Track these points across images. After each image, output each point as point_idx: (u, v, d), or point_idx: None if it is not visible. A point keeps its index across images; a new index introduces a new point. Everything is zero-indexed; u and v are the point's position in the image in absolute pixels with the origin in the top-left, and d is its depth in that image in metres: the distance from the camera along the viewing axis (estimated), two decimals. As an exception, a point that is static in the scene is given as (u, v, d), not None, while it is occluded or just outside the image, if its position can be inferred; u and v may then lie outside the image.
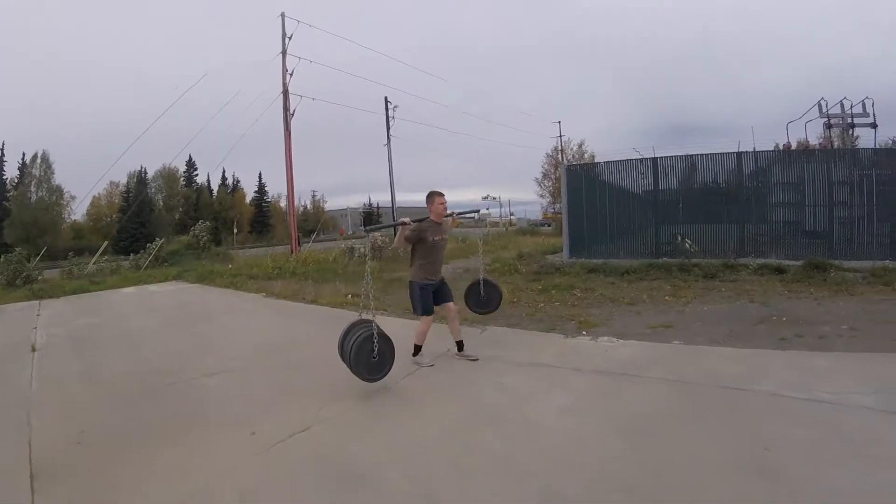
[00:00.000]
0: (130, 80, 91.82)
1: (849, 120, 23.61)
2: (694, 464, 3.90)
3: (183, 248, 26.30)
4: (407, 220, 6.69)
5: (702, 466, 3.85)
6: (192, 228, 27.30)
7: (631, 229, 17.84)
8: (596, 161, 22.77)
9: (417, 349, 6.88)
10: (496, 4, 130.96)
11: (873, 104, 23.44)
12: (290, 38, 27.28)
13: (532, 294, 11.70)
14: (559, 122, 63.70)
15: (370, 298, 5.94)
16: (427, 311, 6.72)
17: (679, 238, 15.86)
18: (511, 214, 79.25)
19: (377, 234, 25.66)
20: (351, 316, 9.90)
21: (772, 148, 19.54)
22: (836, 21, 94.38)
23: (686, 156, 16.83)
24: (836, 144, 24.66)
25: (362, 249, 21.96)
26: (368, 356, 5.54)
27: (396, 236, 6.90)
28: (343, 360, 5.62)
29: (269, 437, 4.51)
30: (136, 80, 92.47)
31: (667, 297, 11.02)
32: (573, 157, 57.73)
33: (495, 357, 6.95)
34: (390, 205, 38.56)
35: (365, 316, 5.80)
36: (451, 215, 7.09)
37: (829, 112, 23.66)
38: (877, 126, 25.13)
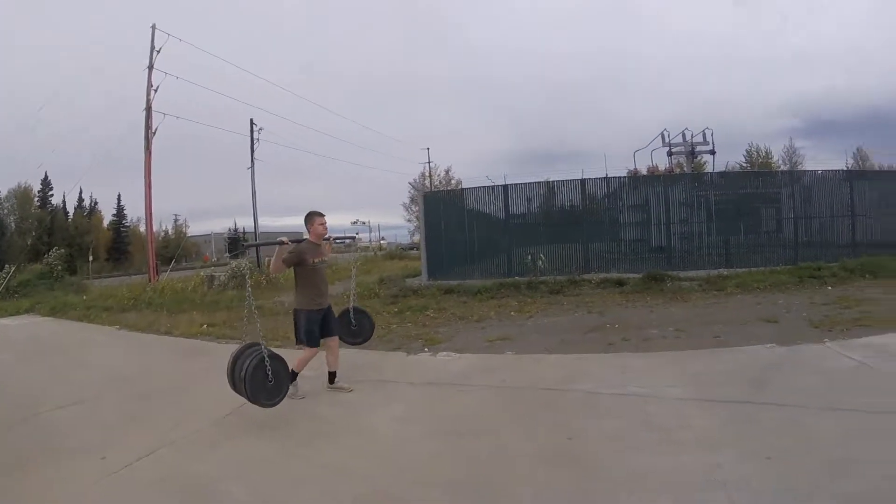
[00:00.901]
0: None
1: (689, 148, 25.98)
2: (506, 457, 4.43)
3: (35, 277, 24.04)
4: (285, 239, 6.33)
5: (513, 459, 4.38)
6: (46, 256, 25.66)
7: (486, 252, 18.79)
8: (462, 187, 23.67)
9: (293, 375, 6.28)
10: (381, 35, 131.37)
11: (713, 133, 26.78)
12: (158, 52, 25.91)
13: (387, 317, 12.00)
14: (427, 149, 64.92)
15: (256, 320, 5.72)
16: (311, 343, 6.38)
17: (530, 257, 17.03)
18: (382, 239, 79.75)
19: (241, 259, 25.55)
20: (206, 346, 10.35)
21: (625, 174, 21.57)
22: (691, 61, 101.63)
23: (534, 183, 18.49)
24: (684, 169, 27.10)
25: (222, 278, 21.66)
26: (264, 380, 5.31)
27: (273, 260, 6.41)
28: (236, 389, 5.32)
29: (118, 462, 4.67)
30: None
31: (512, 313, 11.93)
32: (440, 182, 59.41)
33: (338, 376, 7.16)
34: (242, 230, 37.78)
35: (248, 340, 5.61)
36: (327, 240, 6.90)
37: (672, 141, 26.02)
38: (715, 153, 28.50)
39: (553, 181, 18.26)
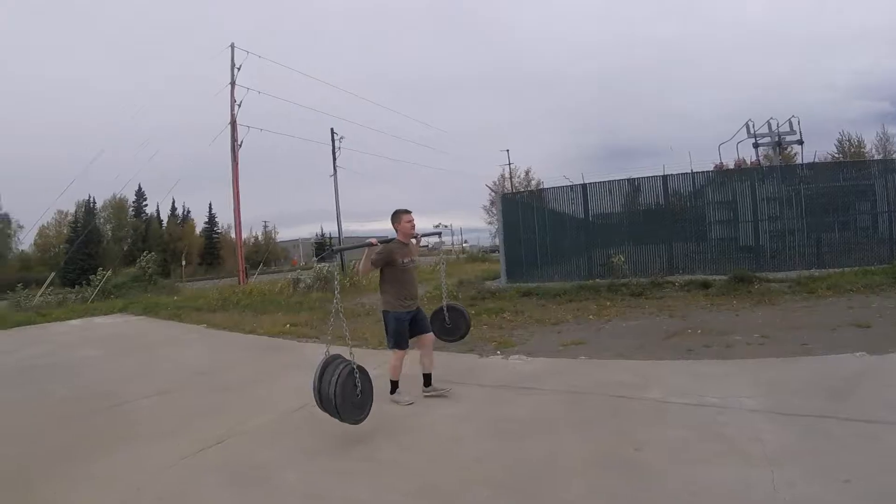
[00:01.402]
0: (79, 106, 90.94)
1: (776, 138, 24.58)
2: (562, 462, 4.34)
3: (130, 280, 26.04)
4: (374, 240, 6.18)
5: (569, 465, 4.29)
6: (139, 260, 27.12)
7: (566, 253, 18.57)
8: (540, 188, 23.46)
9: (394, 386, 6.33)
10: (436, 41, 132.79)
11: (799, 122, 24.75)
12: (238, 69, 27.51)
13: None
14: (507, 150, 64.77)
15: (345, 329, 5.50)
16: (400, 345, 6.22)
17: (612, 258, 16.61)
18: (464, 242, 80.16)
19: (327, 263, 26.10)
20: (285, 344, 10.62)
21: (710, 168, 20.61)
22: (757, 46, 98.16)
23: (614, 181, 17.77)
24: (772, 161, 25.63)
25: (307, 280, 22.24)
26: (353, 394, 5.05)
27: (361, 261, 6.26)
28: (322, 405, 4.95)
29: (190, 449, 5.05)
30: (85, 106, 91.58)
31: (590, 316, 11.61)
32: (520, 184, 59.16)
33: (408, 375, 7.11)
34: (329, 235, 38.69)
35: (334, 351, 5.25)
36: (415, 237, 6.61)
37: (758, 131, 24.67)
38: (803, 142, 26.48)
39: (634, 178, 17.53)
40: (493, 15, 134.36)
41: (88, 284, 23.86)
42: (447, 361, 8.03)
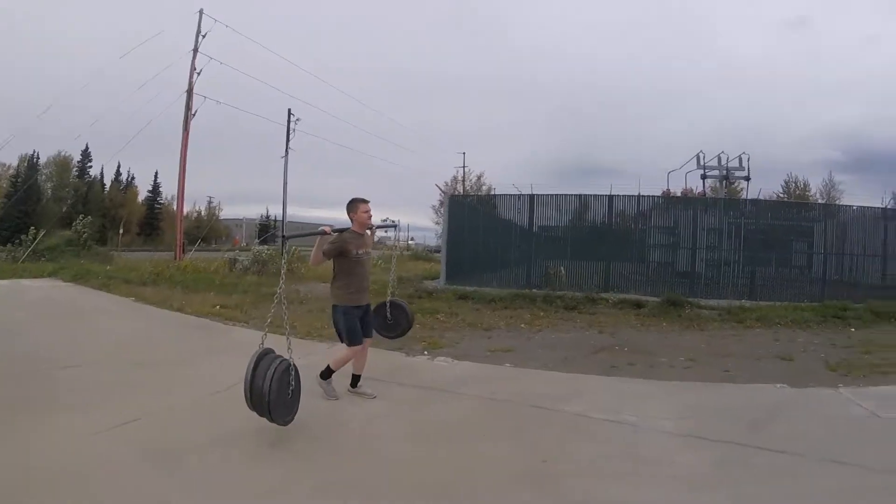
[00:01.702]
0: (30, 53, 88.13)
1: (724, 172, 25.56)
2: (472, 470, 4.37)
3: (63, 243, 25.21)
4: (327, 227, 5.91)
5: (478, 474, 4.31)
6: (74, 223, 26.52)
7: (507, 261, 18.80)
8: (488, 194, 23.73)
9: (328, 373, 6.12)
10: (427, 35, 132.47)
11: (749, 159, 26.34)
12: (203, 37, 27.10)
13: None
14: (464, 153, 65.13)
15: (285, 320, 5.28)
16: (354, 341, 6.01)
17: (550, 271, 17.10)
18: (411, 239, 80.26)
19: (265, 248, 25.93)
20: (212, 325, 10.55)
21: (658, 193, 21.46)
22: (733, 83, 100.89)
23: (562, 195, 18.17)
24: (718, 194, 26.83)
25: (245, 262, 22.06)
26: (285, 392, 4.81)
27: (314, 251, 5.99)
28: (252, 401, 4.64)
29: (105, 423, 4.99)
30: (36, 53, 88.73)
31: (522, 325, 11.79)
32: (472, 187, 59.72)
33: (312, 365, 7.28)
34: (273, 218, 38.47)
35: (268, 344, 4.89)
36: (370, 227, 6.43)
37: (707, 163, 25.64)
38: (750, 179, 28.14)
39: (581, 195, 17.94)
40: (490, 16, 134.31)
41: (20, 244, 23.31)
42: (374, 357, 7.89)
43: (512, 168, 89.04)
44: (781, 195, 50.94)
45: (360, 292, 6.09)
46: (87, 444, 4.57)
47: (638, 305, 14.31)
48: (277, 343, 5.00)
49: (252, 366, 4.67)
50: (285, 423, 4.78)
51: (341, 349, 6.18)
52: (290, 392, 4.83)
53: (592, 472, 4.45)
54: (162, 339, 9.33)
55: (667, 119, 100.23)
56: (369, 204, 6.25)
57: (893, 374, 7.65)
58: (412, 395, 6.48)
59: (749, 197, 24.34)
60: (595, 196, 17.76)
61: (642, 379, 7.52)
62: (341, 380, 6.21)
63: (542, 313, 13.38)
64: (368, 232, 6.38)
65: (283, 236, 5.48)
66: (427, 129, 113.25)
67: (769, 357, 8.95)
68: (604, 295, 15.42)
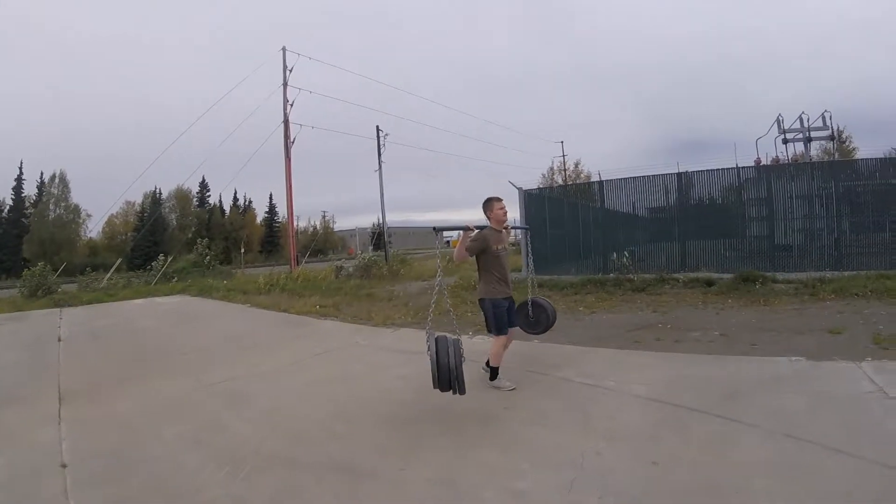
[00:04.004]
0: (143, 105, 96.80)
1: (806, 134, 24.46)
2: (434, 415, 5.71)
3: (189, 265, 29.20)
4: (470, 224, 6.40)
5: (437, 417, 5.64)
6: (195, 247, 29.96)
7: (582, 248, 19.34)
8: (557, 185, 24.51)
9: (494, 372, 6.59)
10: (508, 30, 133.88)
11: (831, 117, 24.04)
12: (290, 71, 29.94)
13: (469, 305, 12.51)
14: (562, 142, 66.28)
15: (447, 304, 6.24)
16: (502, 330, 6.48)
17: (616, 255, 17.41)
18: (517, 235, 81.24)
19: (365, 254, 28.38)
20: (307, 320, 13.13)
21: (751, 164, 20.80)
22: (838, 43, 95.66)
23: (630, 178, 18.32)
24: (805, 158, 25.21)
25: (350, 268, 24.50)
26: (462, 365, 5.37)
27: (457, 248, 6.47)
28: (440, 379, 5.29)
29: (208, 381, 7.63)
30: (149, 105, 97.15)
31: (581, 308, 12.49)
32: (570, 176, 60.08)
33: (385, 347, 9.41)
34: (388, 225, 40.77)
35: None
36: (506, 226, 6.78)
37: (791, 127, 24.53)
38: (834, 138, 26.23)
39: (649, 176, 17.89)
40: (570, 7, 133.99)
41: (151, 269, 26.71)
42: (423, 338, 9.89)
43: (611, 154, 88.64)
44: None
45: (504, 284, 6.55)
46: (193, 392, 7.18)
47: (709, 284, 14.33)
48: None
49: (434, 350, 5.31)
50: (463, 393, 5.34)
51: (492, 344, 6.62)
52: (463, 360, 5.39)
53: (534, 420, 5.38)
54: (264, 332, 11.90)
55: (771, 88, 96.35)
56: (503, 202, 6.68)
57: None
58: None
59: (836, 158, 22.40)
60: (664, 175, 17.60)
61: (654, 352, 7.95)
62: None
63: (607, 296, 13.99)
64: (504, 230, 6.74)
65: (435, 229, 6.38)
66: (523, 125, 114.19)
67: (817, 330, 8.67)
68: (675, 275, 15.61)
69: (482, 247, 6.35)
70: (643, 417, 5.34)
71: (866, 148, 48.51)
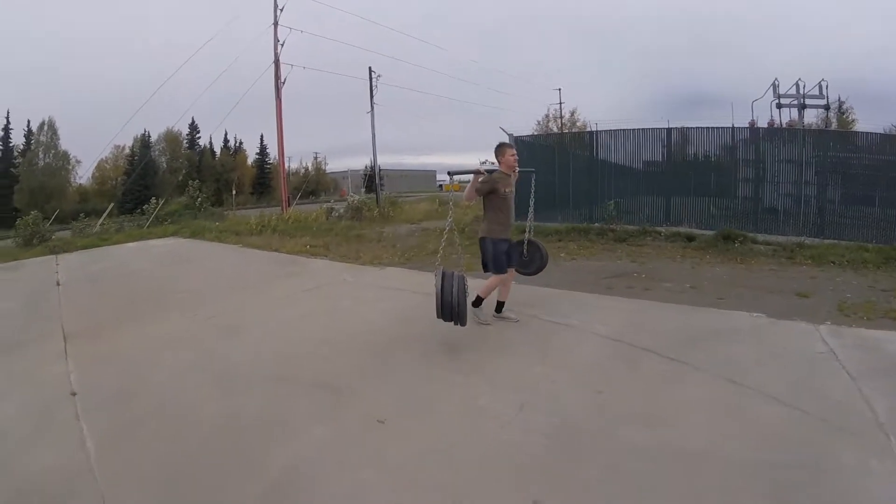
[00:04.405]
0: (131, 47, 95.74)
1: (801, 101, 24.79)
2: (410, 344, 6.39)
3: (181, 208, 29.44)
4: (481, 168, 6.83)
5: (412, 346, 6.31)
6: (187, 189, 30.28)
7: (570, 197, 19.40)
8: (550, 132, 24.75)
9: (479, 301, 7.03)
10: None
11: (827, 86, 24.07)
12: (281, 10, 29.49)
13: (455, 248, 13.14)
14: (559, 90, 65.90)
15: (458, 244, 6.78)
16: (501, 269, 6.83)
17: (602, 205, 17.79)
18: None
19: (356, 196, 28.83)
20: (297, 259, 13.78)
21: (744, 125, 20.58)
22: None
23: (622, 129, 18.49)
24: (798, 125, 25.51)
25: (340, 210, 24.96)
26: (466, 299, 5.89)
27: (467, 188, 6.96)
28: (443, 311, 5.88)
29: (201, 316, 8.30)
30: (137, 47, 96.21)
31: (562, 254, 12.74)
32: (566, 125, 60.05)
33: (371, 284, 10.11)
34: (381, 167, 41.12)
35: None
36: (514, 169, 7.06)
37: (786, 92, 24.86)
38: (829, 108, 26.11)
39: (640, 129, 18.02)
40: None
41: (143, 213, 27.15)
42: (404, 275, 10.92)
43: (610, 105, 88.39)
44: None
45: (506, 226, 6.90)
46: (189, 326, 7.79)
47: (689, 239, 14.57)
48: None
49: (439, 283, 5.82)
50: (465, 324, 5.98)
51: (488, 278, 7.02)
52: (466, 299, 5.92)
53: (499, 351, 6.02)
54: (256, 271, 12.49)
55: (774, 48, 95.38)
56: (514, 148, 7.10)
57: None
58: (419, 299, 8.38)
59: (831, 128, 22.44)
60: (655, 129, 17.77)
61: (623, 298, 8.45)
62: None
63: (588, 244, 14.36)
64: (513, 173, 7.04)
65: (449, 173, 6.57)
66: (522, 70, 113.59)
67: (786, 292, 8.86)
68: (658, 228, 15.95)
69: (491, 188, 6.69)
70: (598, 353, 5.91)
71: (867, 121, 48.12)
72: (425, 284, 9.45)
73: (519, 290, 8.13)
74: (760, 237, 14.46)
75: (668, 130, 17.51)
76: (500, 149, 7.04)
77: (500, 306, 7.28)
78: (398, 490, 3.50)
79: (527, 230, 8.04)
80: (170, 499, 3.54)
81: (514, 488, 3.49)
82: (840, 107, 43.83)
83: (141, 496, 3.57)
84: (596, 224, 16.83)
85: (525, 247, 7.83)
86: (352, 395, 5.02)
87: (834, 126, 29.03)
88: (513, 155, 6.93)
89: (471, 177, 6.95)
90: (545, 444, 4.03)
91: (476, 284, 6.96)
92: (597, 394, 4.83)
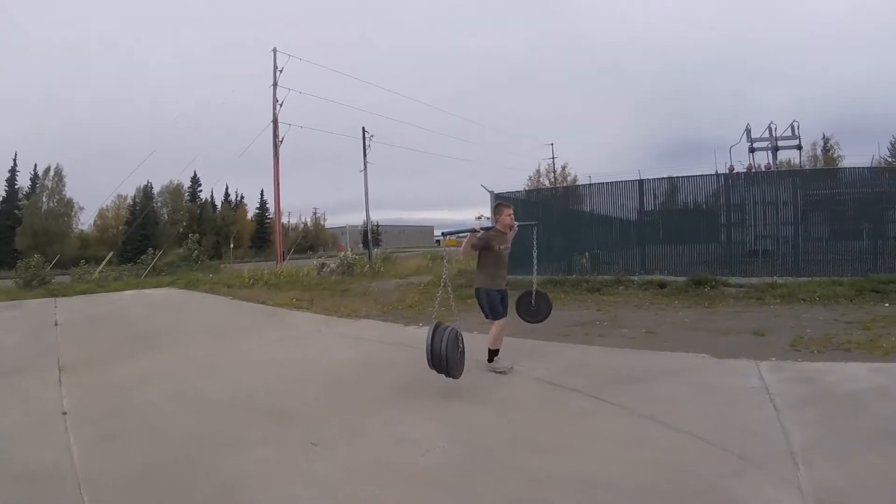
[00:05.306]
0: (138, 102, 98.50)
1: (774, 143, 25.31)
2: (362, 383, 7.21)
3: (178, 259, 30.51)
4: (478, 228, 7.35)
5: (364, 385, 7.13)
6: (185, 242, 31.33)
7: (550, 250, 19.66)
8: (527, 189, 25.67)
9: (492, 355, 7.48)
10: (497, 25, 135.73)
11: (799, 126, 25.64)
12: (280, 71, 31.28)
13: (432, 302, 13.41)
14: (552, 145, 66.95)
15: (450, 299, 7.06)
16: (498, 314, 7.34)
17: (577, 257, 18.59)
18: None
19: (348, 252, 29.81)
20: (279, 311, 14.67)
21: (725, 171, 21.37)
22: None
23: (594, 184, 19.61)
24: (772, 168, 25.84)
25: (332, 265, 25.86)
26: (457, 352, 6.24)
27: (464, 244, 7.39)
28: (433, 361, 6.20)
29: (187, 357, 9.34)
30: (144, 102, 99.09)
31: (512, 306, 13.15)
32: (558, 179, 61.22)
33: (342, 334, 10.91)
34: (381, 223, 42.08)
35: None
36: (511, 227, 7.61)
37: (760, 136, 25.46)
38: (801, 147, 27.40)
39: (612, 182, 18.72)
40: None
41: (142, 263, 28.14)
42: (377, 326, 11.80)
43: (602, 156, 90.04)
44: (890, 159, 46.30)
45: (499, 279, 7.46)
46: (173, 364, 8.81)
47: (661, 286, 15.06)
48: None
49: (430, 335, 6.22)
50: (457, 377, 6.37)
51: (491, 329, 7.50)
52: (459, 353, 6.30)
53: (437, 391, 6.57)
54: (240, 320, 13.59)
55: (761, 94, 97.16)
56: (511, 209, 7.66)
57: (853, 352, 7.60)
58: (372, 347, 9.75)
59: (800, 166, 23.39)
60: (625, 182, 18.39)
61: (573, 344, 9.01)
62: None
63: (563, 296, 14.62)
64: (510, 231, 7.65)
65: (444, 233, 7.06)
66: (514, 124, 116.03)
67: (743, 332, 9.24)
68: (632, 277, 16.50)
69: (486, 245, 7.19)
70: (528, 393, 6.57)
71: (853, 156, 48.81)
72: (391, 335, 10.70)
73: (475, 337, 8.49)
74: (733, 280, 14.83)
75: (640, 182, 18.19)
76: (497, 208, 7.71)
77: (491, 355, 7.59)
78: (319, 499, 4.28)
79: (533, 283, 8.87)
80: (134, 490, 4.41)
81: (412, 497, 4.24)
82: (826, 143, 44.65)
83: (112, 487, 4.46)
84: (572, 276, 17.51)
85: (533, 297, 8.67)
86: (299, 419, 5.91)
87: (821, 163, 29.67)
88: (509, 215, 7.50)
89: (468, 233, 7.43)
90: (451, 463, 4.75)
91: (472, 337, 7.61)
92: (511, 428, 5.45)
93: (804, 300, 12.02)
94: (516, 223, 7.76)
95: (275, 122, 31.19)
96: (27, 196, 64.52)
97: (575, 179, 55.24)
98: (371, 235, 39.60)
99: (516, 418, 5.75)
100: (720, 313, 11.20)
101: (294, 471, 4.74)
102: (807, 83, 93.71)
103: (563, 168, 66.35)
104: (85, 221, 67.14)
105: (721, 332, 9.40)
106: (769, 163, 26.01)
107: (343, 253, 29.97)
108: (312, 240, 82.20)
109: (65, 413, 6.26)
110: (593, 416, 5.67)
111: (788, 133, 25.64)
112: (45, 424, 5.88)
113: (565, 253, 19.39)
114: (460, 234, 8.17)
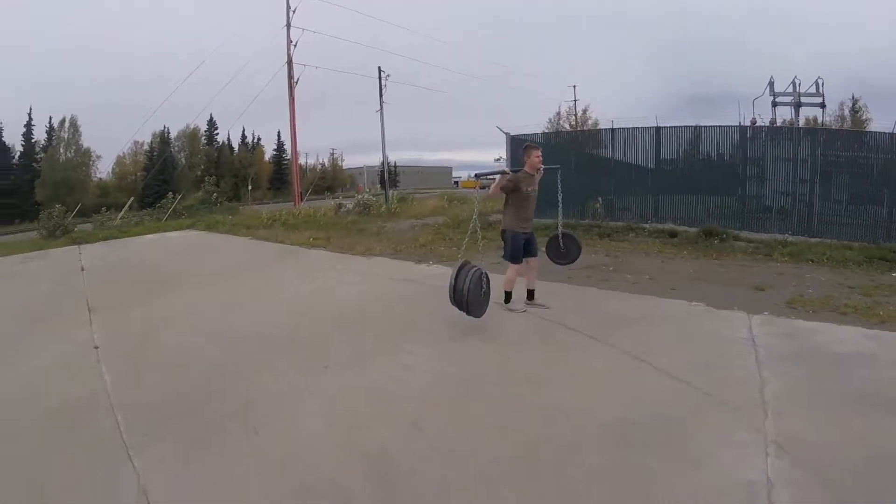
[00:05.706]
0: (151, 46, 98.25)
1: (797, 99, 24.88)
2: (372, 316, 7.80)
3: (198, 202, 31.10)
4: (507, 170, 7.48)
5: (373, 318, 7.72)
6: (203, 184, 31.73)
7: (566, 196, 18.59)
8: (544, 132, 25.55)
9: (508, 296, 7.73)
10: None
11: (823, 84, 24.49)
12: (293, 11, 30.96)
13: (444, 241, 14.87)
14: (574, 86, 64.61)
15: (479, 242, 7.49)
16: (516, 259, 7.50)
17: (592, 202, 18.41)
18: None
19: (366, 193, 30.10)
20: (297, 250, 15.21)
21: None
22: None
23: (608, 129, 19.39)
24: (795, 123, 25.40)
25: (349, 206, 26.18)
26: (479, 293, 6.42)
27: (493, 185, 7.53)
28: (454, 299, 6.43)
29: (208, 294, 10.01)
30: (157, 46, 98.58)
31: (543, 248, 13.16)
32: (578, 122, 60.49)
33: (355, 271, 11.39)
34: (400, 164, 42.09)
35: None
36: (539, 169, 7.56)
37: (782, 91, 25.03)
38: (825, 106, 26.22)
39: (628, 128, 18.48)
40: None
41: (162, 207, 28.87)
42: (387, 262, 12.29)
43: (626, 101, 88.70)
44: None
45: (526, 221, 7.51)
46: (196, 302, 9.43)
47: (672, 235, 15.08)
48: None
49: (455, 273, 6.43)
50: (479, 316, 6.62)
51: (507, 272, 7.71)
52: (482, 294, 6.53)
53: (442, 323, 7.13)
54: (259, 259, 14.03)
55: (786, 46, 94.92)
56: (540, 150, 7.61)
57: (848, 315, 7.46)
58: (386, 283, 10.29)
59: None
60: (644, 129, 18.08)
61: (577, 286, 9.29)
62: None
63: None
64: (537, 174, 7.61)
65: (476, 175, 7.07)
66: (537, 66, 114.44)
67: (745, 286, 9.24)
68: (644, 225, 16.52)
69: (515, 186, 7.27)
70: (524, 328, 7.00)
71: (883, 120, 47.36)
72: (403, 272, 11.19)
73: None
74: (744, 234, 14.76)
75: (658, 129, 17.92)
76: (526, 150, 7.65)
77: (530, 294, 7.92)
78: (329, 415, 4.85)
79: (558, 225, 9.03)
80: (163, 412, 5.00)
81: (411, 413, 4.78)
82: (854, 104, 43.38)
83: (143, 410, 5.05)
84: (585, 221, 17.54)
85: (561, 240, 8.81)
86: (312, 350, 6.52)
87: (848, 124, 29.05)
88: (538, 157, 7.47)
89: (499, 175, 7.59)
90: (449, 388, 5.31)
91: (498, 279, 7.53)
92: (505, 358, 5.92)
93: (812, 261, 11.79)
94: (542, 166, 7.68)
95: (289, 62, 31.21)
96: (44, 149, 64.95)
97: (596, 123, 53.50)
98: (388, 176, 39.55)
99: (509, 349, 6.23)
100: (726, 266, 11.22)
101: (306, 390, 5.37)
102: (838, 38, 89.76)
103: (585, 111, 64.26)
104: (103, 170, 67.82)
105: (723, 283, 9.52)
106: (792, 118, 25.71)
107: (361, 194, 30.23)
108: (330, 180, 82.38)
109: (96, 347, 6.92)
110: (585, 353, 6.05)
111: (813, 90, 24.69)
112: (79, 361, 6.48)
113: (579, 198, 18.96)
114: (490, 176, 8.13)
